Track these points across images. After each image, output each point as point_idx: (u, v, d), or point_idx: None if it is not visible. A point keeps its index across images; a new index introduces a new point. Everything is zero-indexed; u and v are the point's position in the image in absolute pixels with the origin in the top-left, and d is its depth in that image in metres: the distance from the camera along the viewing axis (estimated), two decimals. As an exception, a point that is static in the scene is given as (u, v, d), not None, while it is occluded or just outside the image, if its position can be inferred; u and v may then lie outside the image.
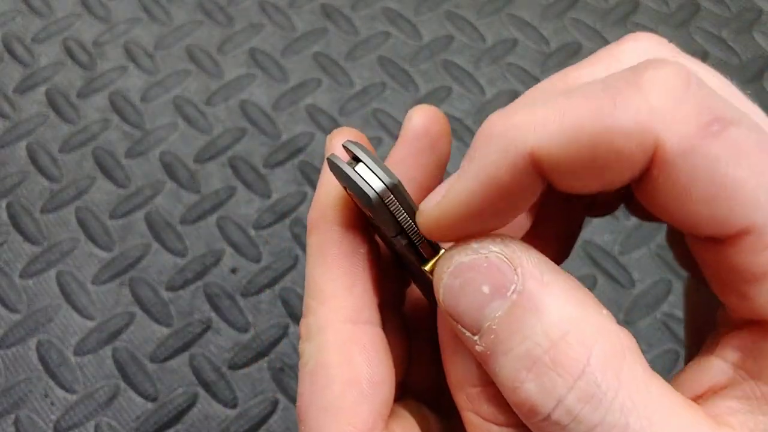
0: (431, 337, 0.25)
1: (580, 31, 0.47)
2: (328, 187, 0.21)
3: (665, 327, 0.37)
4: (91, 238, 0.39)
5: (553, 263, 0.16)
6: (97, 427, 0.34)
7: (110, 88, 0.44)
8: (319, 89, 0.44)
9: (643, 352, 0.16)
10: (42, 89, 0.44)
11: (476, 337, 0.16)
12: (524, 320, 0.15)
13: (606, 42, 0.46)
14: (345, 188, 0.19)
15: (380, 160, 0.18)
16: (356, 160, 0.18)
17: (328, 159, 0.19)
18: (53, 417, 0.35)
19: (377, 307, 0.21)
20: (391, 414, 0.21)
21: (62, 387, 0.35)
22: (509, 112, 0.17)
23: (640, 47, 0.19)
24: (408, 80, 0.45)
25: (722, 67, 0.45)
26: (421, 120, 0.22)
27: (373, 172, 0.18)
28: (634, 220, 0.40)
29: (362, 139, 0.21)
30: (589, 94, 0.15)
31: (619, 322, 0.16)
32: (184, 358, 0.36)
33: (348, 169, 0.18)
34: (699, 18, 0.47)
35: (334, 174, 0.19)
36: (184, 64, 0.45)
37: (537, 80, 0.45)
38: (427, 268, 0.19)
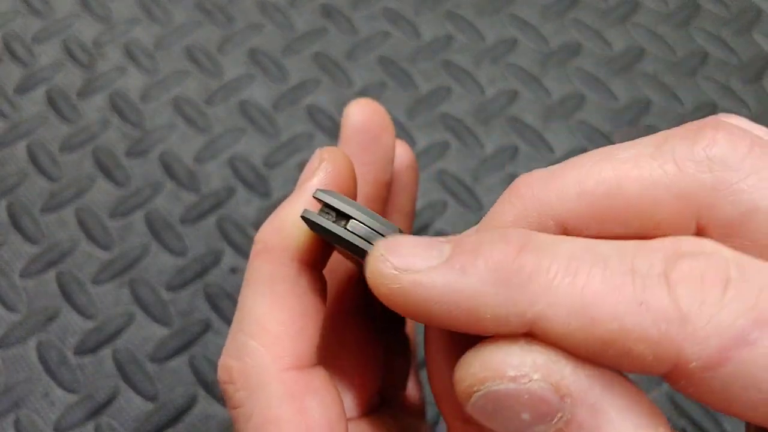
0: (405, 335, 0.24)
1: (580, 31, 0.47)
2: (293, 212, 0.19)
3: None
4: (91, 238, 0.39)
5: (609, 373, 0.14)
6: (97, 427, 0.34)
7: (110, 88, 0.44)
8: (319, 89, 0.44)
9: None
10: (42, 89, 0.44)
11: None
12: None
13: (606, 42, 0.46)
14: (324, 239, 0.18)
15: (368, 210, 0.17)
16: (338, 213, 0.17)
17: (303, 217, 0.17)
18: (53, 417, 0.35)
19: (318, 348, 0.19)
20: None
21: (62, 387, 0.35)
22: (524, 242, 0.14)
23: (718, 157, 0.16)
24: (408, 80, 0.45)
25: (722, 67, 0.45)
26: (360, 116, 0.21)
27: (371, 229, 0.16)
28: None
29: (346, 160, 0.19)
30: (613, 278, 0.13)
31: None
32: (184, 358, 0.36)
33: (340, 231, 0.16)
34: (699, 18, 0.47)
35: (314, 230, 0.17)
36: (184, 64, 0.45)
37: (537, 80, 0.45)
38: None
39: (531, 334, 0.14)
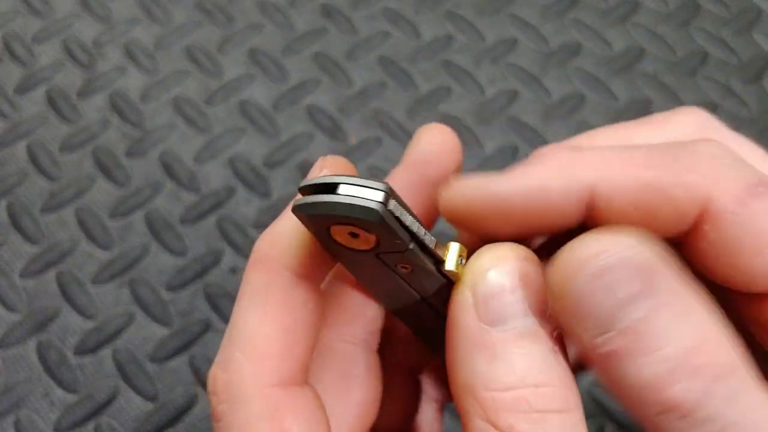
0: (409, 373, 0.24)
1: (580, 31, 0.47)
2: (291, 223, 0.18)
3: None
4: (91, 238, 0.39)
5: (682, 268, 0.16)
6: (97, 427, 0.34)
7: (110, 88, 0.44)
8: (319, 89, 0.44)
9: None
10: (42, 89, 0.44)
11: (605, 337, 0.15)
12: (669, 322, 0.15)
13: (606, 42, 0.46)
14: (317, 233, 0.17)
15: (353, 176, 0.16)
16: (325, 186, 0.16)
17: (293, 208, 0.16)
18: (53, 417, 0.35)
19: (308, 366, 0.19)
20: None
21: (62, 387, 0.35)
22: (575, 145, 0.18)
23: (691, 120, 0.20)
24: (408, 80, 0.45)
25: (722, 67, 0.45)
26: (430, 144, 0.21)
27: (361, 186, 0.15)
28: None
29: (347, 166, 0.19)
30: (653, 153, 0.17)
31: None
32: (184, 358, 0.36)
33: (331, 198, 0.15)
34: (699, 18, 0.47)
35: (304, 220, 0.17)
36: (184, 64, 0.45)
37: (537, 80, 0.45)
38: (452, 268, 0.17)
39: (589, 197, 0.17)
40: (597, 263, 0.15)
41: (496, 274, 0.17)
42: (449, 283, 0.17)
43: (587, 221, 0.18)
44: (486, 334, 0.16)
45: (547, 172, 0.18)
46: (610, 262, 0.15)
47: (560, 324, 0.17)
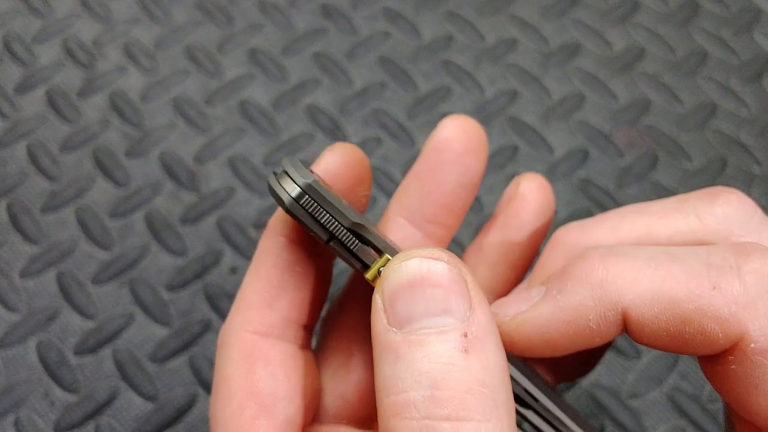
0: None
1: (580, 31, 0.47)
2: None
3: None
4: (91, 238, 0.39)
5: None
6: (97, 427, 0.34)
7: (110, 88, 0.44)
8: (319, 89, 0.44)
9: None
10: (42, 89, 0.44)
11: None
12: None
13: (606, 42, 0.46)
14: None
15: (303, 168, 0.17)
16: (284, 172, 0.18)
17: (267, 182, 0.18)
18: (53, 417, 0.35)
19: (301, 327, 0.20)
20: None
21: (62, 387, 0.35)
22: (608, 257, 0.17)
23: (732, 215, 0.19)
24: (408, 80, 0.45)
25: (722, 67, 0.45)
26: (447, 132, 0.21)
27: (289, 176, 0.17)
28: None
29: (356, 155, 0.20)
30: (691, 269, 0.16)
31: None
32: (184, 358, 0.36)
33: (271, 180, 0.17)
34: (699, 18, 0.47)
35: (273, 197, 0.18)
36: (184, 64, 0.45)
37: (537, 80, 0.45)
38: (369, 276, 0.18)
39: (624, 317, 0.17)
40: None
41: (399, 275, 0.16)
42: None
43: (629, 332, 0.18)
44: (392, 336, 0.16)
45: (581, 299, 0.17)
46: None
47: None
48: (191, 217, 0.40)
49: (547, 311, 0.18)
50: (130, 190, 0.41)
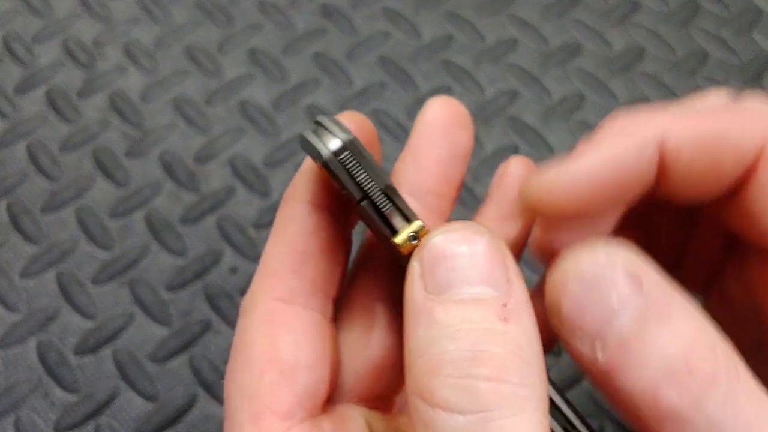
0: None
1: (580, 31, 0.47)
2: (306, 164, 0.20)
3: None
4: (91, 238, 0.39)
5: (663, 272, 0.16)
6: (97, 427, 0.34)
7: (110, 88, 0.44)
8: (319, 89, 0.44)
9: None
10: (42, 89, 0.44)
11: (598, 351, 0.15)
12: (659, 329, 0.15)
13: (606, 42, 0.46)
14: (320, 167, 0.18)
15: (342, 123, 0.17)
16: (318, 125, 0.18)
17: (299, 135, 0.18)
18: (53, 417, 0.35)
19: (326, 296, 0.20)
20: (328, 410, 0.19)
21: (62, 387, 0.35)
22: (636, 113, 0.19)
23: (724, 95, 0.22)
24: (408, 80, 0.45)
25: (722, 67, 0.45)
26: (434, 109, 0.22)
27: (329, 131, 0.17)
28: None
29: (366, 123, 0.21)
30: (713, 109, 0.19)
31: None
32: (184, 358, 0.36)
33: (309, 134, 0.17)
34: (699, 18, 0.47)
35: (306, 151, 0.18)
36: (184, 64, 0.45)
37: (537, 80, 0.45)
38: (398, 240, 0.17)
39: (660, 150, 0.18)
40: (587, 272, 0.16)
41: (441, 241, 0.16)
42: (404, 256, 0.18)
43: (660, 183, 0.19)
44: (429, 302, 0.16)
45: (619, 139, 0.18)
46: (600, 271, 0.15)
47: (563, 340, 0.16)
48: (191, 217, 0.40)
49: (586, 160, 0.18)
50: (130, 190, 0.41)
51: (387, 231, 0.18)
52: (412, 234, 0.17)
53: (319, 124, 0.18)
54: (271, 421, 0.18)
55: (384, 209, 0.17)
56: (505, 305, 0.15)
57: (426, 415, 0.15)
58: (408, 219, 0.18)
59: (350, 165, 0.17)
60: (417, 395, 0.15)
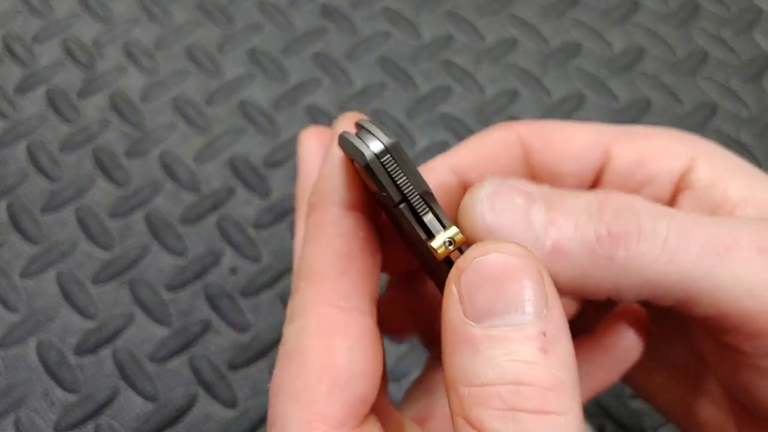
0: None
1: (580, 31, 0.47)
2: (332, 168, 0.20)
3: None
4: (91, 238, 0.39)
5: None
6: (97, 427, 0.34)
7: (110, 88, 0.44)
8: (319, 89, 0.44)
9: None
10: (42, 89, 0.44)
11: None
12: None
13: (606, 42, 0.46)
14: (353, 163, 0.19)
15: (384, 127, 0.18)
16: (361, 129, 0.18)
17: (339, 135, 0.19)
18: (53, 417, 0.35)
19: (372, 298, 0.20)
20: (371, 416, 0.19)
21: (62, 387, 0.35)
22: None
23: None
24: (408, 80, 0.45)
25: (722, 67, 0.45)
26: (305, 144, 0.23)
27: (372, 134, 0.17)
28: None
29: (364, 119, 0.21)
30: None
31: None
32: (184, 358, 0.36)
33: (350, 136, 0.18)
34: (699, 18, 0.47)
35: (344, 150, 0.19)
36: (184, 64, 0.45)
37: (537, 80, 0.45)
38: (434, 245, 0.18)
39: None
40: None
41: (479, 268, 0.16)
42: (440, 261, 0.18)
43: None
44: (470, 330, 0.16)
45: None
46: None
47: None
48: (191, 217, 0.40)
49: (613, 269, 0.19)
50: (130, 190, 0.41)
51: (423, 235, 0.18)
52: (449, 239, 0.18)
53: (360, 126, 0.18)
54: (323, 430, 0.18)
55: (421, 213, 0.18)
56: (544, 334, 0.16)
57: None
58: (444, 225, 0.18)
59: (391, 168, 0.17)
60: (465, 421, 0.16)
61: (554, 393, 0.16)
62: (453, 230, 0.18)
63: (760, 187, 0.22)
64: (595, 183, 0.23)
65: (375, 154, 0.17)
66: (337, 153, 0.20)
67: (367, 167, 0.17)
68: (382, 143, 0.17)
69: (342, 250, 0.19)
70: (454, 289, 0.17)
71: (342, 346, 0.18)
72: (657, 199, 0.21)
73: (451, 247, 0.18)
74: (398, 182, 0.17)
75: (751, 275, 0.18)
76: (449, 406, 0.17)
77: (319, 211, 0.20)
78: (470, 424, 0.16)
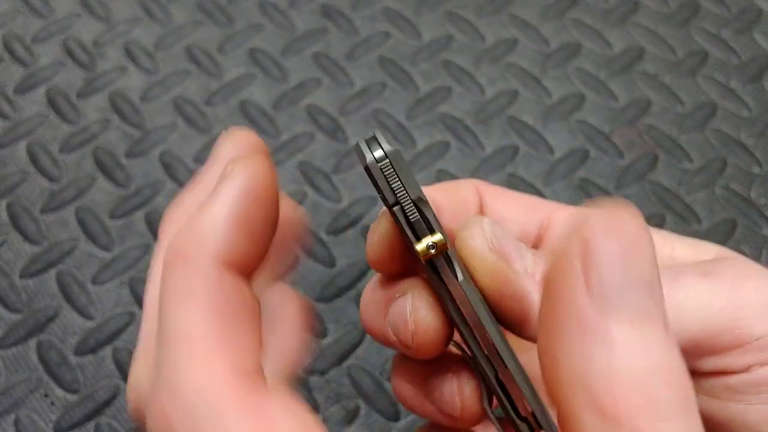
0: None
1: (580, 31, 0.47)
2: (211, 216, 0.17)
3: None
4: (91, 238, 0.39)
5: None
6: (97, 427, 0.34)
7: (110, 88, 0.44)
8: (319, 89, 0.44)
9: None
10: (42, 89, 0.44)
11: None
12: None
13: (606, 42, 0.46)
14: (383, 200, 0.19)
15: (391, 141, 0.19)
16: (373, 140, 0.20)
17: (356, 142, 0.20)
18: (53, 417, 0.35)
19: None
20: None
21: (62, 387, 0.35)
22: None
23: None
24: (408, 80, 0.45)
25: (722, 67, 0.45)
26: (231, 147, 0.21)
27: (377, 141, 0.19)
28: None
29: (252, 138, 0.22)
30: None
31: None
32: (184, 358, 0.36)
33: (361, 142, 0.19)
34: (699, 18, 0.47)
35: (358, 156, 0.20)
36: (184, 64, 0.45)
37: (537, 80, 0.45)
38: (418, 248, 0.18)
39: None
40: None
41: (613, 237, 0.14)
42: (423, 264, 0.19)
43: None
44: (600, 315, 0.14)
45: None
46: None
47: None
48: (191, 217, 0.40)
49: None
50: (130, 190, 0.41)
51: (411, 237, 0.19)
52: (432, 243, 0.19)
53: (374, 137, 0.20)
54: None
55: (411, 216, 0.19)
56: (664, 319, 0.14)
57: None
58: (432, 230, 0.19)
59: (388, 172, 0.19)
60: (612, 422, 0.14)
61: (688, 382, 0.14)
62: (438, 236, 0.19)
63: (704, 247, 0.22)
64: (537, 242, 0.24)
65: (375, 159, 0.19)
66: (220, 203, 0.18)
67: (366, 169, 0.19)
68: (383, 150, 0.19)
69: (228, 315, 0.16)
70: (577, 265, 0.14)
71: (284, 421, 0.15)
72: None
73: (433, 251, 0.18)
74: (393, 186, 0.19)
75: (703, 294, 0.19)
76: (559, 399, 0.15)
77: (190, 264, 0.16)
78: (623, 426, 0.14)
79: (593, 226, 0.14)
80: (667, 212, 0.40)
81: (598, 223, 0.14)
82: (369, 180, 0.19)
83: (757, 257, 0.39)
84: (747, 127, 0.43)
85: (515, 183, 0.41)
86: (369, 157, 0.19)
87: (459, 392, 0.20)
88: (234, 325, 0.16)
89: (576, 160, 0.42)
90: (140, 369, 0.18)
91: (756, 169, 0.41)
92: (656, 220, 0.40)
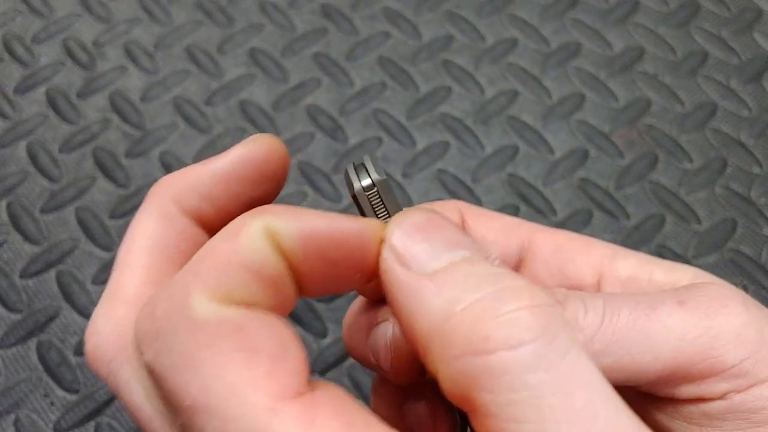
0: None
1: (580, 31, 0.47)
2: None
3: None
4: (91, 238, 0.39)
5: None
6: (97, 427, 0.34)
7: (110, 88, 0.44)
8: (319, 89, 0.44)
9: None
10: (42, 89, 0.44)
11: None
12: None
13: (606, 42, 0.46)
14: (352, 198, 0.21)
15: (379, 167, 0.20)
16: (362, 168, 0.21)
17: (345, 168, 0.21)
18: (53, 417, 0.35)
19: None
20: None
21: (62, 387, 0.35)
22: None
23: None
24: (408, 80, 0.45)
25: (722, 67, 0.45)
26: (259, 151, 0.21)
27: (366, 170, 0.20)
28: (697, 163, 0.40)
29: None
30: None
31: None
32: (184, 358, 0.36)
33: (350, 168, 0.20)
34: (699, 18, 0.47)
35: (347, 184, 0.21)
36: (184, 64, 0.45)
37: (537, 80, 0.45)
38: None
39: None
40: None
41: (407, 221, 0.17)
42: None
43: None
44: (423, 275, 0.16)
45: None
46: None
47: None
48: (191, 217, 0.40)
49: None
50: (130, 190, 0.41)
51: None
52: None
53: (362, 163, 0.21)
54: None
55: None
56: (487, 258, 0.17)
57: (487, 364, 0.15)
58: None
59: (375, 201, 0.20)
60: (468, 354, 0.15)
61: (532, 287, 0.16)
62: None
63: (681, 271, 0.22)
64: (518, 265, 0.24)
65: (363, 187, 0.20)
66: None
67: (353, 198, 0.20)
68: (371, 178, 0.20)
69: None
70: (388, 252, 0.17)
71: (262, 339, 0.16)
72: (580, 282, 0.23)
73: None
74: (379, 215, 0.20)
75: (679, 323, 0.19)
76: (429, 363, 0.16)
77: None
78: (473, 352, 0.15)
79: (390, 224, 0.18)
80: (667, 212, 0.40)
81: (391, 222, 0.18)
82: (356, 207, 0.20)
83: (757, 257, 0.39)
84: (747, 127, 0.43)
85: (515, 183, 0.41)
86: (357, 186, 0.20)
87: (432, 421, 0.22)
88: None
89: (576, 160, 0.42)
90: (106, 315, 0.20)
91: (756, 169, 0.41)
92: (656, 220, 0.40)
